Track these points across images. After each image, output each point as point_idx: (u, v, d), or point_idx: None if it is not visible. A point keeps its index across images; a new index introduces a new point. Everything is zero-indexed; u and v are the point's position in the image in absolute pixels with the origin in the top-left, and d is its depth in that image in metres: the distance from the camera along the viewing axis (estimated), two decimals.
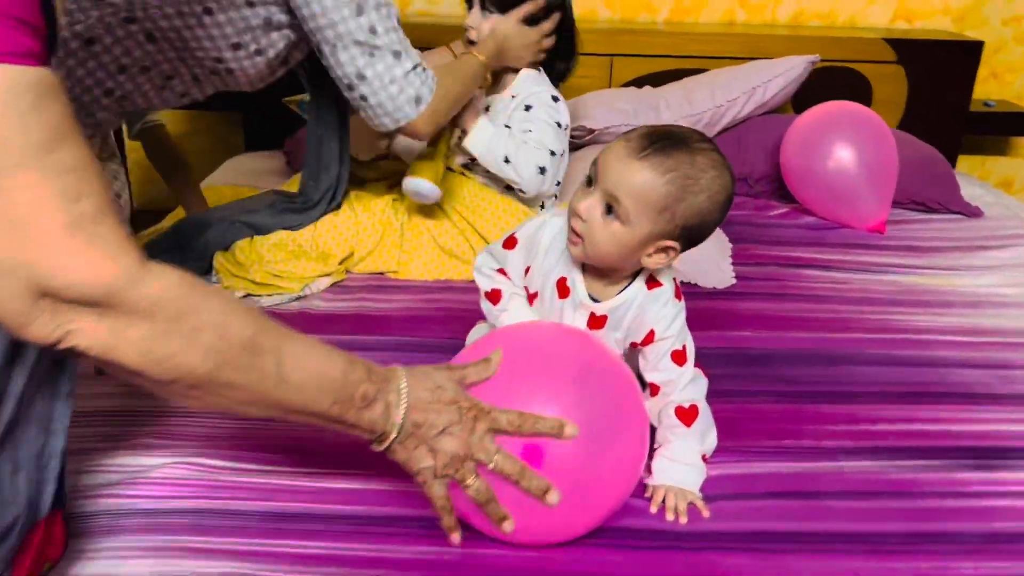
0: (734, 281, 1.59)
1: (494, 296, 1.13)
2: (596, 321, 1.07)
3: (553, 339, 0.99)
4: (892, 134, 1.94)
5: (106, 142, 1.49)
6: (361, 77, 1.34)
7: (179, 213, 1.73)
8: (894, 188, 1.89)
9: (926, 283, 1.63)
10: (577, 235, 0.99)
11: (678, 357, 1.05)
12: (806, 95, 2.31)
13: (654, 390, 1.06)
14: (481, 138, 1.55)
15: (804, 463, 1.07)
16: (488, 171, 1.60)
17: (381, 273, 1.58)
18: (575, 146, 2.04)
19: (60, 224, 0.61)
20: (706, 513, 0.97)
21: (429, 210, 1.59)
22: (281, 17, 1.33)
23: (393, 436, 0.83)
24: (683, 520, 0.96)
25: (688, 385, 1.04)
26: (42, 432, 0.75)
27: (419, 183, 1.49)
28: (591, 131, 1.99)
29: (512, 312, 1.11)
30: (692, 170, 0.95)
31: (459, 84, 1.47)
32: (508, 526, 0.86)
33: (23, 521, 0.73)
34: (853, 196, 1.86)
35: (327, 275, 1.52)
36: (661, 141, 0.95)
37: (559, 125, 1.63)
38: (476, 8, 1.63)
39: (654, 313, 1.04)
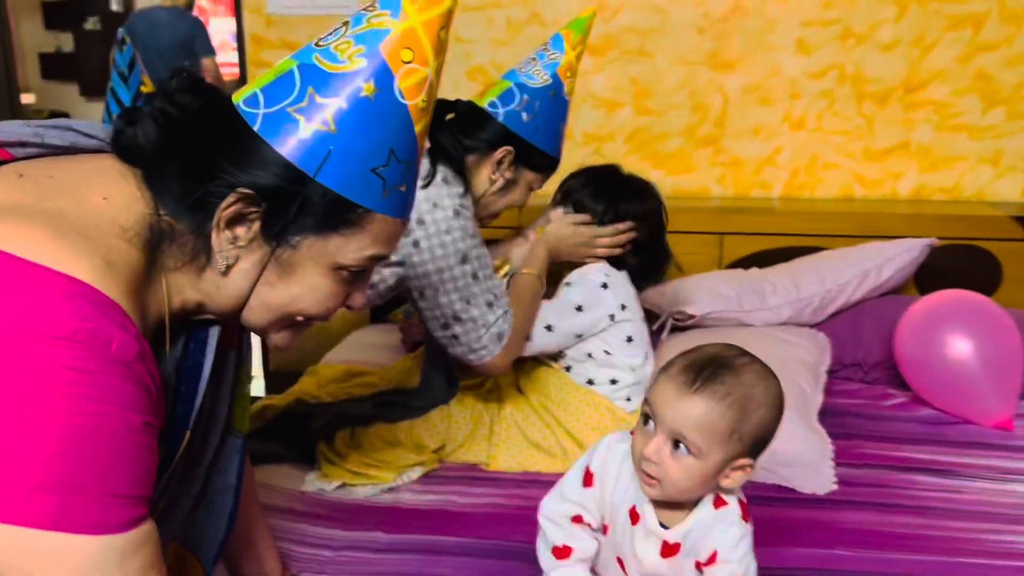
0: (835, 487, 1.51)
1: (563, 553, 1.11)
2: (669, 549, 1.05)
3: None
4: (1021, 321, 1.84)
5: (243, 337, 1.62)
6: (457, 319, 1.45)
7: (301, 387, 1.84)
8: (1021, 381, 1.77)
9: None
10: (651, 477, 1.00)
11: None
12: (930, 274, 2.24)
13: None
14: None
15: None
16: (572, 361, 1.64)
17: (473, 464, 1.61)
18: (677, 328, 2.05)
19: None
20: None
21: (517, 404, 1.62)
22: (394, 256, 1.46)
23: None
24: None
25: None
26: None
27: None
28: (692, 316, 1.99)
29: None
30: (745, 389, 0.98)
31: (524, 311, 1.55)
32: None
33: None
34: (974, 389, 1.75)
35: (421, 464, 1.57)
36: (707, 369, 0.98)
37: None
38: (561, 207, 1.69)
39: (719, 532, 1.04)
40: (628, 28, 2.50)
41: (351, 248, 0.83)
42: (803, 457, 1.53)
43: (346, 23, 0.82)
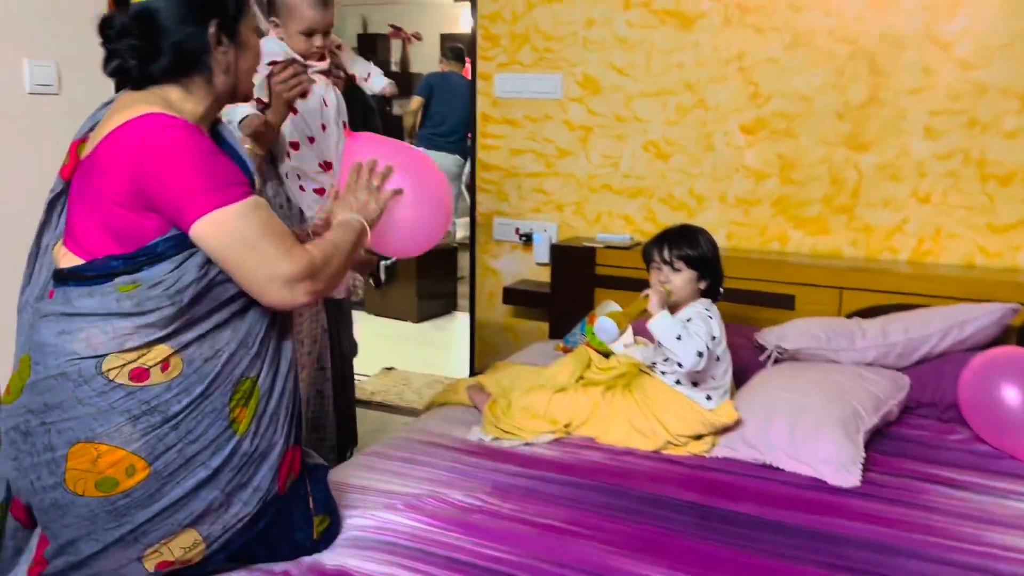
0: (858, 483, 1.94)
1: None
2: None
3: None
4: None
5: None
6: None
7: (484, 375, 2.55)
8: None
9: None
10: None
11: None
12: None
13: None
14: (661, 322, 2.13)
15: None
16: (666, 367, 2.18)
17: (589, 437, 2.22)
18: (779, 360, 2.51)
19: (281, 253, 1.43)
20: None
21: (625, 397, 2.21)
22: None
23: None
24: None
25: None
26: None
27: (607, 321, 2.02)
28: (786, 350, 2.46)
29: None
30: None
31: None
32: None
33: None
34: (1019, 430, 2.08)
35: (552, 432, 2.21)
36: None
37: (711, 336, 2.12)
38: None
39: None
40: (777, 113, 3.01)
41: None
42: (836, 458, 1.98)
43: None
